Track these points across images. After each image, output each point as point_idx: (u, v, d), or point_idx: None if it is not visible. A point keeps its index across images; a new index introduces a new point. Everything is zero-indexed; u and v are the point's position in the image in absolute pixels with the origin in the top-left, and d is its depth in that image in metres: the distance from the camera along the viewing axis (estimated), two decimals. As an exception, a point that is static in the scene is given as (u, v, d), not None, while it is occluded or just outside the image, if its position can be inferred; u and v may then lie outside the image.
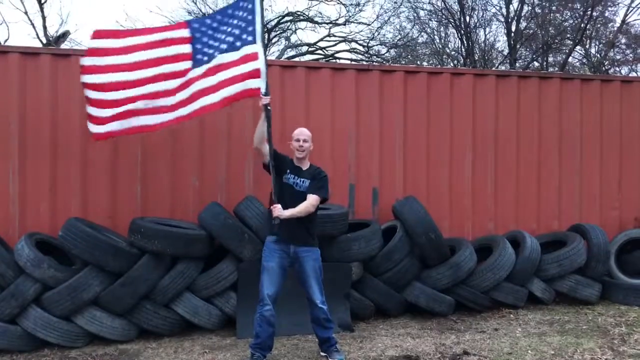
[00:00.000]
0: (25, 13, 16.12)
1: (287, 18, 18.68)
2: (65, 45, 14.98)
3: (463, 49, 18.56)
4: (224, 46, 4.13)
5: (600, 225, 6.16)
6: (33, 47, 5.60)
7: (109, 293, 4.58)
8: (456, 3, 17.70)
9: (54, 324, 4.48)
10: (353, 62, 17.41)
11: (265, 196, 4.36)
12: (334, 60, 18.20)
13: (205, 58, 4.16)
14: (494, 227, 6.21)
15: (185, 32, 4.25)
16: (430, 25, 19.44)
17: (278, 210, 4.00)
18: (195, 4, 21.68)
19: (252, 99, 4.82)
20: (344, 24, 18.82)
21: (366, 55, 18.83)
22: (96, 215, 5.24)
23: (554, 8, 17.50)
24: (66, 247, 4.67)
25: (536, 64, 18.74)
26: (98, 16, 25.02)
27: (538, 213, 6.37)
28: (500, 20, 18.67)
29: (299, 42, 19.41)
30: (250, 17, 4.03)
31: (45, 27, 15.75)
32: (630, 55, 18.46)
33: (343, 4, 18.48)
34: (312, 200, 4.12)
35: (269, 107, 4.18)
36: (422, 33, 19.52)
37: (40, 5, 15.56)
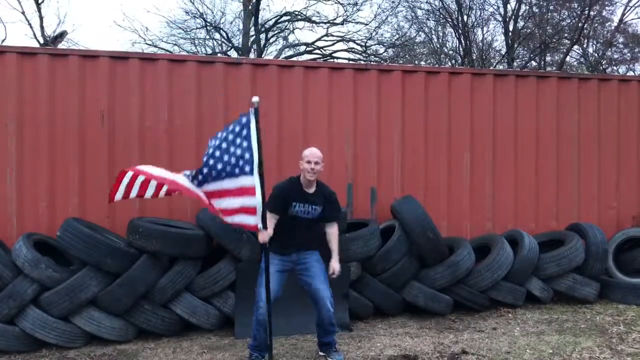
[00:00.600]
0: (23, 13, 16.16)
1: (284, 17, 18.70)
2: (62, 46, 14.95)
3: (461, 49, 18.59)
4: (222, 172, 3.77)
5: (598, 224, 6.18)
6: (30, 47, 5.58)
7: (107, 293, 4.57)
8: (454, 2, 17.74)
9: (52, 325, 4.47)
10: (351, 62, 17.41)
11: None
12: (332, 60, 18.20)
13: (201, 177, 3.82)
14: (492, 227, 6.22)
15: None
16: (428, 24, 19.51)
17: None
18: (193, 3, 21.72)
19: (249, 96, 4.84)
20: (342, 24, 18.86)
21: (364, 54, 18.86)
22: (94, 216, 5.24)
23: (551, 7, 17.54)
24: (64, 247, 4.67)
25: (534, 63, 18.78)
26: (95, 16, 24.99)
27: (536, 212, 6.38)
28: (497, 19, 18.73)
29: (296, 41, 19.45)
30: (246, 144, 3.71)
31: (42, 27, 15.74)
32: (628, 54, 18.50)
33: (341, 4, 18.52)
34: (337, 230, 4.29)
35: (267, 245, 3.88)
36: (420, 32, 19.59)
37: (38, 5, 15.54)
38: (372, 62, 16.95)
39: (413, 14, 19.07)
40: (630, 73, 18.12)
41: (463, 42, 18.20)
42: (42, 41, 15.34)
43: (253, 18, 17.39)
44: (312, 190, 4.13)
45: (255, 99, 3.83)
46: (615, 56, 18.78)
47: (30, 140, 5.19)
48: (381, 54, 19.19)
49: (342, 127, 5.89)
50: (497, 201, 6.27)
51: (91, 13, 27.32)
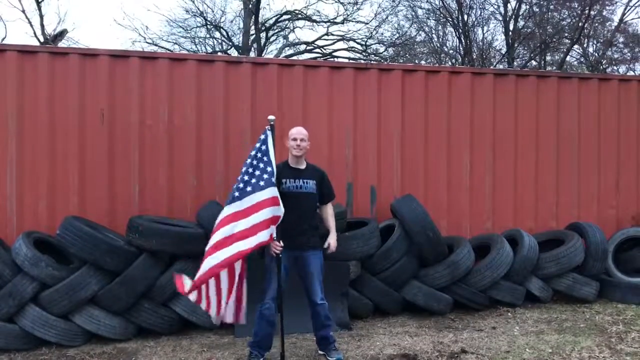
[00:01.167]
0: (23, 11, 16.16)
1: (285, 16, 18.70)
2: (62, 44, 14.95)
3: (461, 48, 18.59)
4: (252, 185, 3.90)
5: (598, 223, 6.18)
6: (30, 46, 5.58)
7: (107, 292, 4.57)
8: (454, 2, 17.73)
9: (52, 323, 4.47)
10: (351, 61, 17.41)
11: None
12: (332, 59, 18.20)
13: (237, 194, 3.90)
14: (492, 226, 6.22)
15: None
16: (428, 23, 19.50)
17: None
18: (193, 2, 21.71)
19: (249, 95, 5.30)
20: (342, 23, 18.86)
21: (364, 53, 18.85)
22: (94, 214, 5.24)
23: (551, 7, 17.54)
24: (64, 245, 4.66)
25: (534, 62, 18.78)
26: (95, 15, 24.98)
27: (536, 212, 6.38)
28: (498, 19, 18.73)
29: (297, 40, 19.44)
30: (266, 159, 3.94)
31: (42, 26, 15.74)
32: (628, 54, 18.50)
33: (341, 3, 18.51)
34: (332, 209, 4.35)
35: (280, 255, 3.97)
36: (420, 32, 19.58)
37: (38, 3, 15.54)
38: (372, 62, 16.94)
39: (413, 13, 19.08)
40: (630, 73, 18.13)
41: (463, 41, 18.20)
42: (42, 40, 15.35)
43: (253, 17, 17.38)
44: (301, 167, 4.24)
45: (271, 117, 4.15)
46: (616, 56, 18.79)
47: (30, 138, 5.19)
48: (381, 53, 19.19)
49: (342, 126, 5.89)
50: (497, 200, 6.27)
51: (91, 11, 27.34)
